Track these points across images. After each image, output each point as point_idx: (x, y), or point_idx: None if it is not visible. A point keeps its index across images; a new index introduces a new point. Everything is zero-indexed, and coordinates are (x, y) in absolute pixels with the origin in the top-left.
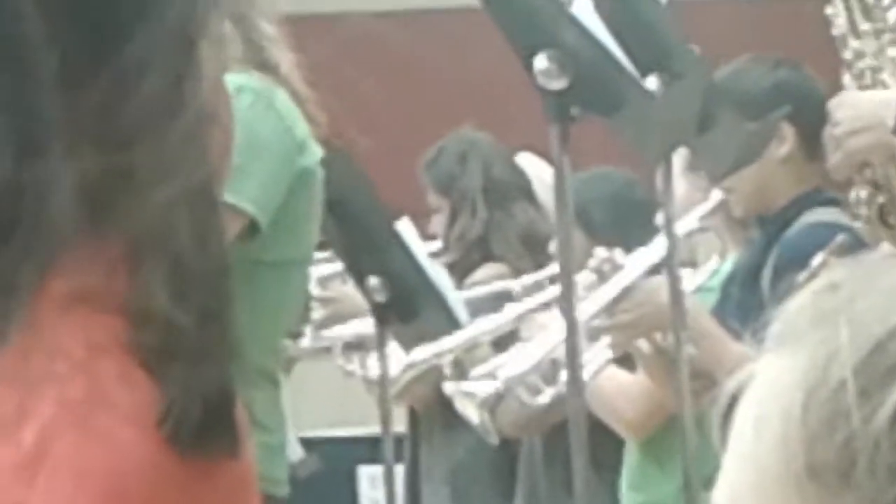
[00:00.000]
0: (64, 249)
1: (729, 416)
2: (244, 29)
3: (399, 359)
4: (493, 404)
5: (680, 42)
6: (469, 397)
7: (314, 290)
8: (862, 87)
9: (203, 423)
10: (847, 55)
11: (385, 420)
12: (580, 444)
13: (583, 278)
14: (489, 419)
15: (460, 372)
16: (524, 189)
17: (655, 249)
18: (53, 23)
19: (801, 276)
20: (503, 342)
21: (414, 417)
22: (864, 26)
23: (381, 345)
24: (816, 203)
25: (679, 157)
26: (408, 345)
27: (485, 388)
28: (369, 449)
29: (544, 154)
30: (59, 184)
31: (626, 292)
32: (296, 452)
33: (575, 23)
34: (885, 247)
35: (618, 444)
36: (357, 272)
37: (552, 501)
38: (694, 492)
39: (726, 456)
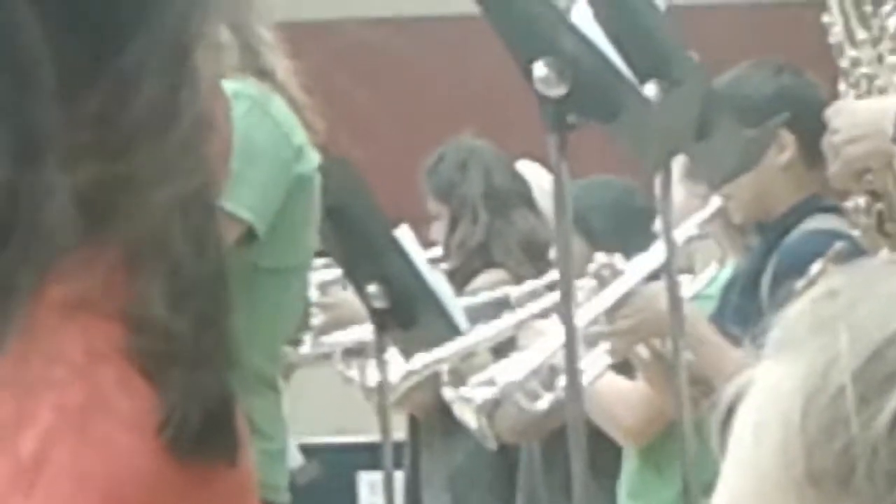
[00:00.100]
0: (62, 255)
1: (728, 423)
2: (241, 35)
3: (398, 366)
4: (490, 410)
5: (678, 49)
6: (467, 403)
7: (314, 295)
8: (859, 96)
9: (202, 430)
10: (844, 63)
11: (385, 427)
12: (579, 449)
13: (582, 285)
14: (487, 424)
15: (458, 378)
16: (524, 196)
17: (654, 256)
18: (52, 30)
19: (800, 283)
20: (502, 349)
21: (414, 424)
22: (861, 35)
23: (380, 351)
24: (816, 210)
25: (677, 164)
26: (407, 352)
27: (482, 394)
28: (369, 455)
29: (543, 161)
30: (57, 190)
31: (625, 298)
32: (296, 459)
33: (574, 30)
34: (884, 253)
35: (617, 450)
36: (356, 279)
37: None
38: (693, 498)
39: (725, 462)
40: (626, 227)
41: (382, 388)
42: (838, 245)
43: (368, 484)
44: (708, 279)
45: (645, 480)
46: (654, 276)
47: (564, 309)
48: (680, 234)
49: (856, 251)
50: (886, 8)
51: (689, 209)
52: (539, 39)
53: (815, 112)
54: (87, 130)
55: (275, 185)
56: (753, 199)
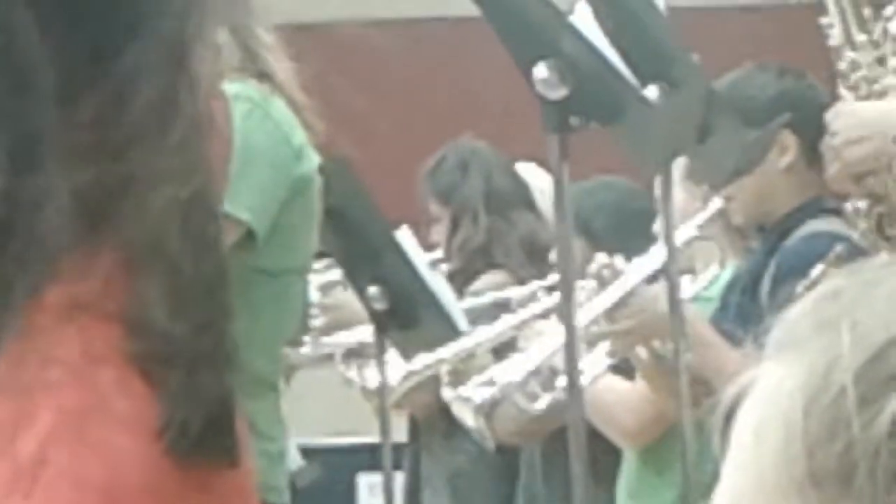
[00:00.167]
0: (60, 259)
1: (729, 424)
2: (241, 37)
3: (398, 367)
4: (489, 410)
5: (680, 51)
6: (465, 402)
7: (315, 296)
8: (857, 98)
9: (202, 432)
10: (842, 66)
11: (384, 428)
12: (579, 451)
13: (583, 285)
14: (485, 425)
15: (458, 379)
16: (525, 198)
17: (654, 257)
18: (50, 35)
19: (801, 285)
20: (503, 350)
21: (414, 425)
22: (860, 37)
23: (380, 353)
24: (817, 212)
25: (678, 166)
26: (408, 353)
27: (481, 394)
28: (369, 457)
29: (544, 163)
30: (55, 194)
31: (626, 299)
32: (295, 460)
33: (574, 32)
34: (885, 254)
35: (617, 451)
36: (356, 280)
37: None
38: (693, 500)
39: (726, 463)
40: (627, 228)
41: (382, 389)
42: (839, 248)
43: (368, 485)
44: (708, 281)
45: (645, 481)
46: (654, 278)
47: (565, 310)
48: (680, 236)
49: (856, 253)
50: (888, 11)
51: (690, 211)
52: (540, 41)
53: (816, 114)
54: (86, 132)
55: (274, 187)
56: (754, 200)
